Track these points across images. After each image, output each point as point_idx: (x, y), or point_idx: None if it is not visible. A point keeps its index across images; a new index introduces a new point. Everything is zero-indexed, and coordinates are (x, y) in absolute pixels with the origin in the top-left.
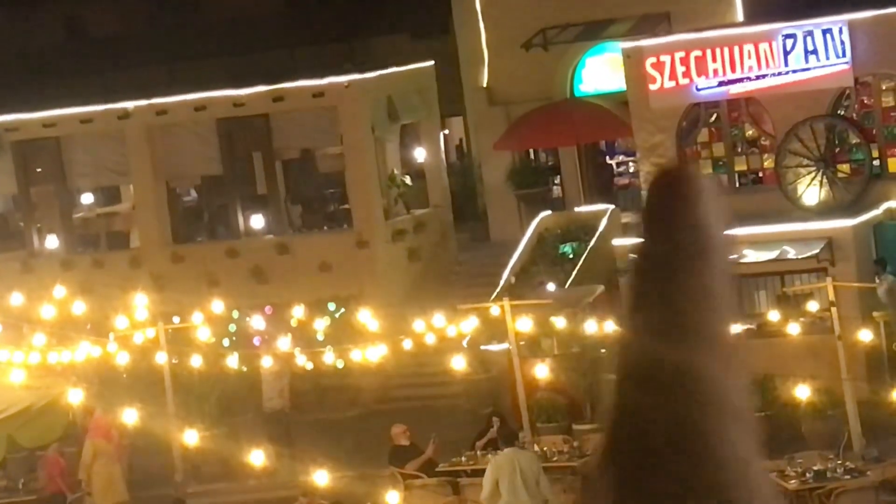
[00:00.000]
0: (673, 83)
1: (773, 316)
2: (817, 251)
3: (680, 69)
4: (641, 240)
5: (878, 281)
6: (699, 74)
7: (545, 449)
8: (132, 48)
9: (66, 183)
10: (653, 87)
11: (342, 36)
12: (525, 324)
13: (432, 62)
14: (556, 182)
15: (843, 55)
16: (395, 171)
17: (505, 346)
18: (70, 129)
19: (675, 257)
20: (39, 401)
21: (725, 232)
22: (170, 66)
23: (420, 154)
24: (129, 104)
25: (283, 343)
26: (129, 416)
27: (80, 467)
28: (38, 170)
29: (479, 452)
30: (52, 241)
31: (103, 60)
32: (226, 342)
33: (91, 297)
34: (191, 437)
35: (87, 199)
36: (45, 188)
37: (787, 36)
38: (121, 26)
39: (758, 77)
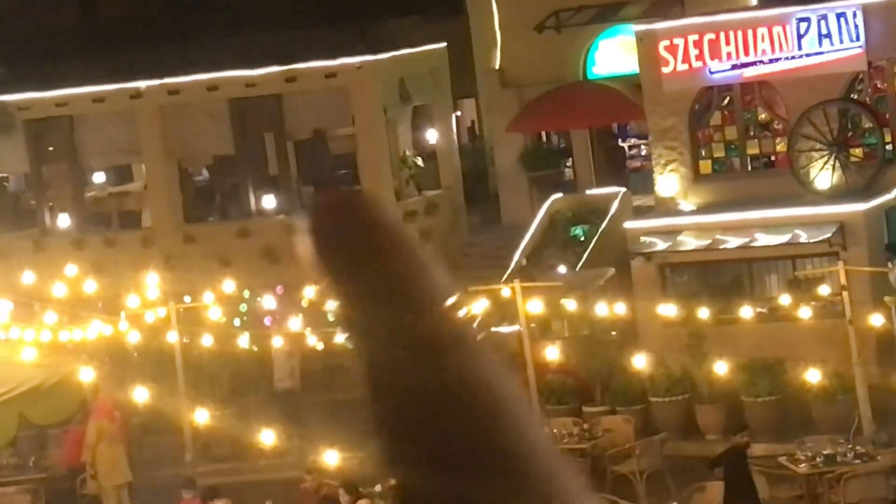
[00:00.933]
0: (686, 66)
1: (785, 300)
2: (829, 235)
3: (693, 52)
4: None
5: (889, 266)
6: (712, 58)
7: (555, 431)
8: (145, 28)
9: (78, 162)
10: (666, 70)
11: (355, 17)
12: (536, 306)
13: (445, 44)
14: (567, 164)
15: (857, 39)
16: (407, 153)
17: (515, 328)
18: (82, 109)
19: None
20: (50, 379)
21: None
22: (182, 47)
23: (432, 136)
24: (142, 84)
25: (294, 323)
26: (140, 395)
27: (84, 448)
28: (51, 149)
29: None
30: (63, 220)
31: (116, 40)
32: (237, 322)
33: (102, 276)
34: (201, 417)
35: (99, 178)
36: (57, 167)
37: (801, 19)
38: (134, 6)
39: (771, 61)
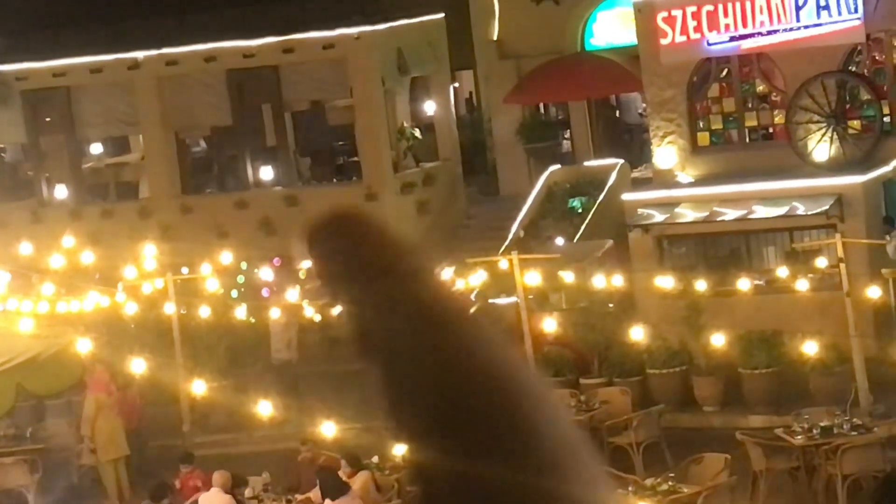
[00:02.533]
0: (684, 38)
1: (782, 272)
2: (826, 207)
3: (691, 24)
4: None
5: (887, 238)
6: (710, 29)
7: None
8: None
9: (75, 133)
10: (664, 41)
11: None
12: (533, 278)
13: (443, 14)
14: (565, 136)
15: (855, 11)
16: (405, 124)
17: (513, 299)
18: (80, 79)
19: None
20: (48, 350)
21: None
22: (180, 17)
23: (430, 107)
24: (140, 54)
25: (292, 295)
26: (137, 367)
27: (83, 422)
28: (48, 119)
29: None
30: (61, 191)
31: (115, 10)
32: (234, 293)
33: (100, 247)
34: (199, 388)
35: (96, 149)
36: (54, 138)
37: None
38: None
39: (769, 32)
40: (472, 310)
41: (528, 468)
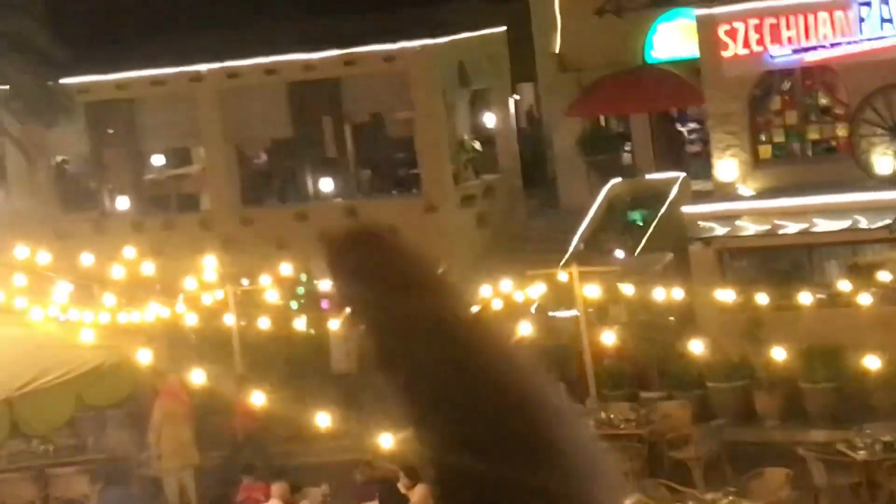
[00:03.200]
0: (746, 51)
1: (844, 286)
2: (889, 221)
3: (753, 36)
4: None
5: None
6: (773, 42)
7: (612, 416)
8: (206, 11)
9: (137, 145)
10: (726, 54)
11: (414, 0)
12: (593, 291)
13: (504, 27)
14: (626, 149)
15: None
16: (465, 137)
17: (573, 312)
18: (142, 92)
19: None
20: (108, 360)
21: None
22: (242, 30)
23: (490, 119)
24: (202, 67)
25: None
26: (197, 378)
27: (150, 429)
28: (111, 131)
29: None
30: (123, 203)
31: (176, 23)
32: (294, 305)
33: (161, 259)
34: (258, 399)
35: (158, 161)
36: (116, 150)
37: (863, 3)
38: None
39: (832, 45)
40: (490, 325)
41: (547, 473)
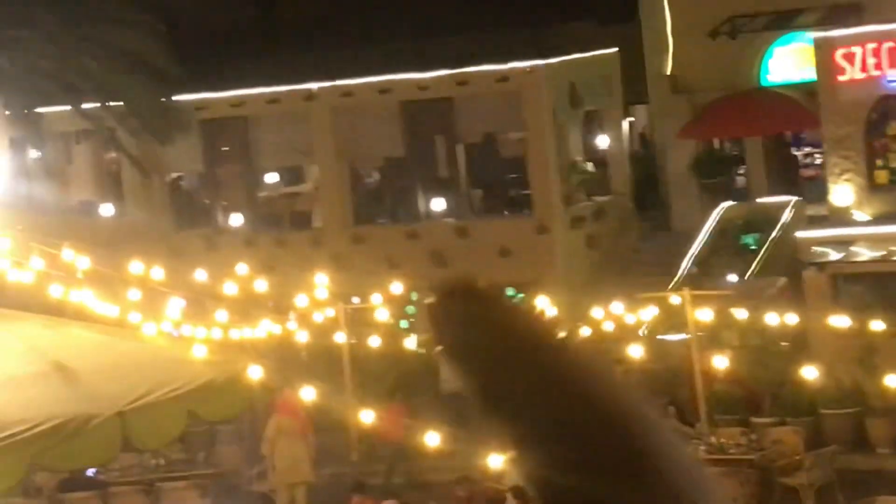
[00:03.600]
0: (863, 74)
1: None
2: None
3: (871, 60)
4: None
5: None
6: (890, 66)
7: (722, 441)
8: (320, 30)
9: (251, 162)
10: (842, 78)
11: (528, 21)
12: (705, 314)
13: (617, 49)
14: (739, 172)
15: None
16: (577, 158)
17: (684, 336)
18: (257, 109)
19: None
20: (220, 376)
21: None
22: (356, 49)
23: (602, 141)
24: (315, 85)
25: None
26: (308, 394)
27: (263, 443)
28: (225, 149)
29: None
30: (236, 220)
31: (291, 42)
32: (404, 324)
33: (273, 276)
34: (367, 417)
35: (271, 178)
36: (230, 167)
37: None
38: (310, 9)
39: None
40: (591, 354)
41: (650, 496)
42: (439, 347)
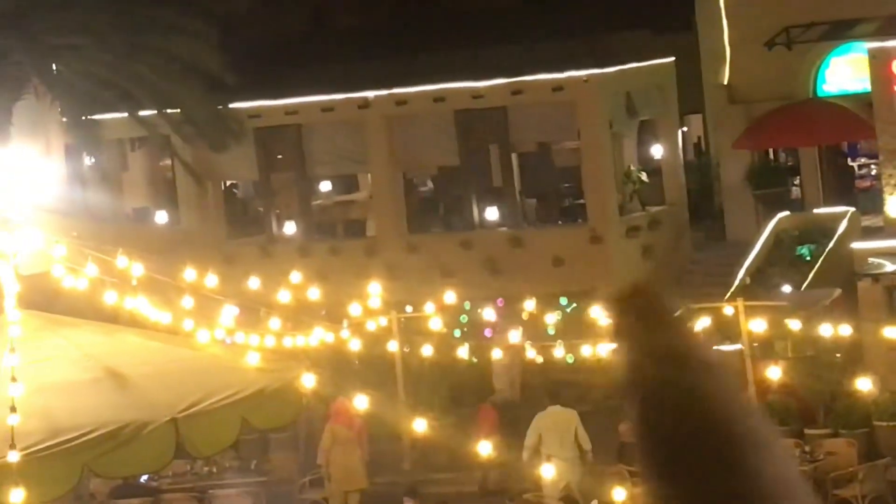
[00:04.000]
0: None
1: None
2: None
3: None
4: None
5: None
6: None
7: None
8: (374, 39)
9: (305, 170)
10: None
11: (583, 30)
12: (759, 325)
13: (673, 58)
14: (795, 183)
15: None
16: (632, 167)
17: (738, 346)
18: (311, 118)
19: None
20: (273, 384)
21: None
22: (410, 58)
23: (657, 151)
24: (370, 94)
25: (514, 336)
26: (361, 403)
27: (319, 452)
28: (279, 157)
29: None
30: (290, 228)
31: (346, 50)
32: (457, 333)
33: (326, 284)
34: (420, 426)
35: (325, 186)
36: (285, 175)
37: None
38: (364, 17)
39: None
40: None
41: None
42: (622, 348)
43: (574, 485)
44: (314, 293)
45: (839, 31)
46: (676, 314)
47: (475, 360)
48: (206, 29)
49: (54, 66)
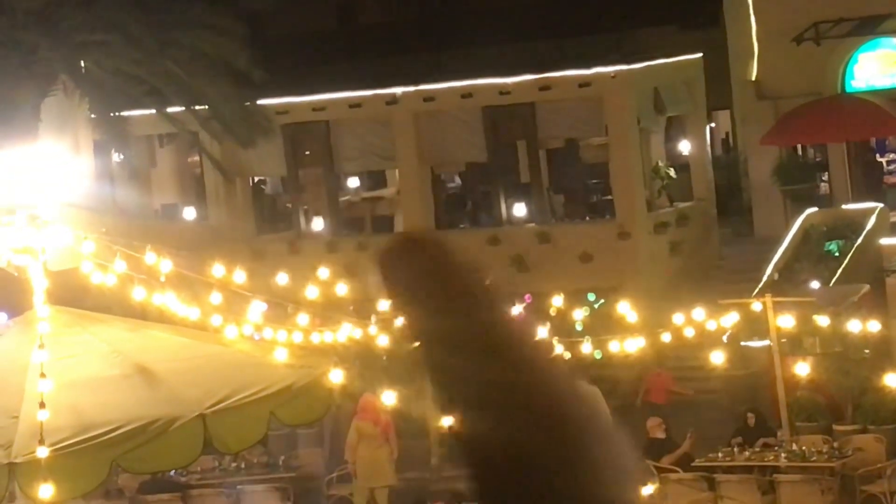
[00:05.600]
0: None
1: None
2: None
3: None
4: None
5: None
6: None
7: (804, 448)
8: (401, 35)
9: (333, 166)
10: None
11: (610, 26)
12: (787, 321)
13: (700, 54)
14: (823, 178)
15: None
16: (660, 163)
17: (766, 342)
18: (339, 114)
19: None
20: (301, 380)
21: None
22: (438, 54)
23: (685, 147)
24: (397, 90)
25: (542, 331)
26: (388, 399)
27: (346, 449)
28: (307, 153)
29: (735, 449)
30: (318, 224)
31: (373, 47)
32: None
33: (354, 280)
34: (447, 422)
35: (353, 182)
36: (313, 171)
37: None
38: (391, 14)
39: None
40: (530, 338)
41: (573, 482)
42: (390, 300)
43: None
44: (342, 289)
45: (868, 27)
46: (478, 282)
47: None
48: (235, 25)
49: (82, 63)
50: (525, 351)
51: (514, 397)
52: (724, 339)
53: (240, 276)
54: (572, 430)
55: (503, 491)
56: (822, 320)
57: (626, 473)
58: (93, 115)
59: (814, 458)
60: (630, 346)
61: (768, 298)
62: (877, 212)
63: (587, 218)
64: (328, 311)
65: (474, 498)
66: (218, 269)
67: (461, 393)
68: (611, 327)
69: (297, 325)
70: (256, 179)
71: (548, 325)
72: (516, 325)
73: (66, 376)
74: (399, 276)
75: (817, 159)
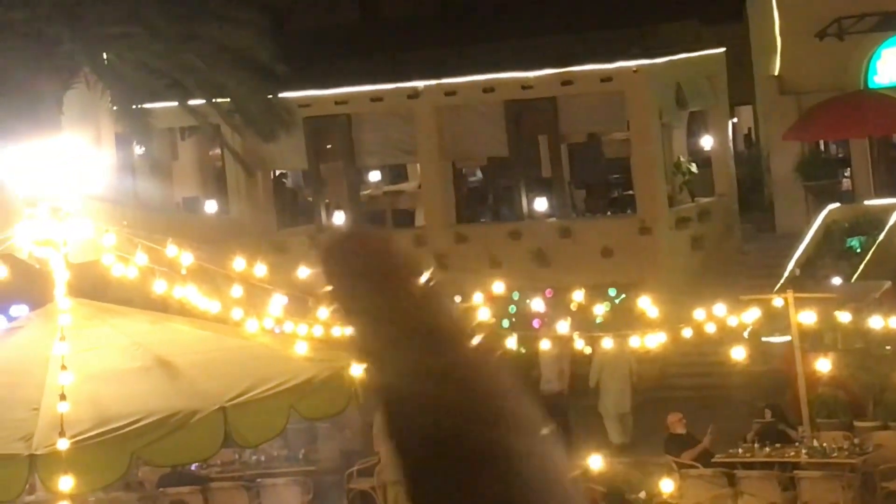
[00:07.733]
0: None
1: None
2: None
3: None
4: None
5: None
6: None
7: (824, 445)
8: (423, 29)
9: (354, 160)
10: None
11: (632, 20)
12: (808, 317)
13: (723, 49)
14: (845, 174)
15: None
16: (681, 158)
17: (787, 338)
18: (360, 107)
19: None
20: (321, 373)
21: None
22: (460, 48)
23: (707, 142)
24: (419, 84)
25: (562, 326)
26: None
27: (375, 440)
28: (329, 146)
29: (755, 445)
30: (339, 217)
31: (395, 40)
32: (505, 323)
33: None
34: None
35: (374, 176)
36: (334, 164)
37: None
38: (413, 8)
39: None
40: (469, 335)
41: (498, 483)
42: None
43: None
44: None
45: (891, 23)
46: (419, 279)
47: (523, 350)
48: (257, 18)
49: (105, 56)
50: (455, 338)
51: (432, 363)
52: (745, 334)
53: (261, 269)
54: (484, 385)
55: (413, 442)
56: (844, 316)
57: (530, 424)
58: (115, 108)
59: (834, 455)
60: (650, 341)
61: (790, 294)
62: None
63: (608, 213)
64: None
65: (392, 447)
66: (239, 263)
67: (380, 343)
68: (632, 322)
69: (318, 319)
70: (278, 173)
71: (569, 319)
72: (456, 324)
73: (86, 369)
74: (339, 271)
75: (839, 155)
